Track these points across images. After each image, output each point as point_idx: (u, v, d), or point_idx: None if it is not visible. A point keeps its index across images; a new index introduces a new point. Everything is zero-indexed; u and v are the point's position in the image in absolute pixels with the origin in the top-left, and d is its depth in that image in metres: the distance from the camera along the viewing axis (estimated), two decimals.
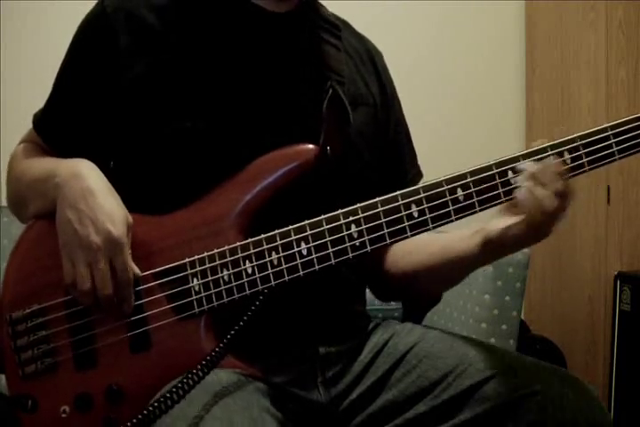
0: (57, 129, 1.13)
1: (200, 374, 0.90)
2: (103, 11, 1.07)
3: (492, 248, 1.03)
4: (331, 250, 0.98)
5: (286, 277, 0.98)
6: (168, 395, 0.86)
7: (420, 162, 1.29)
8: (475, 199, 0.98)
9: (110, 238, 0.97)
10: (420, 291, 1.22)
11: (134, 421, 0.85)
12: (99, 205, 0.98)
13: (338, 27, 1.18)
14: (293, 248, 0.98)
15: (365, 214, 0.98)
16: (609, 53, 2.38)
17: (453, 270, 1.12)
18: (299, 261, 0.98)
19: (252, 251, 0.99)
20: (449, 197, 0.98)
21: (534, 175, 0.96)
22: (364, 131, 1.15)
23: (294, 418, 1.00)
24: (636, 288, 2.20)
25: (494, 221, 1.01)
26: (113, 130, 1.08)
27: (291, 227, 0.99)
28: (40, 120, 1.15)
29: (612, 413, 2.23)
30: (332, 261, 0.98)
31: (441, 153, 2.73)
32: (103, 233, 0.97)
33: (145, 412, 0.85)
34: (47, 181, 1.04)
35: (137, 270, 1.00)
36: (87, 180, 1.01)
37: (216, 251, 0.99)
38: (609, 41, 2.38)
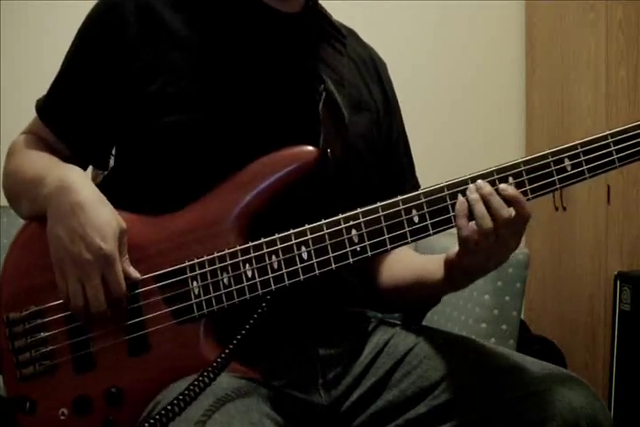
0: (60, 115, 1.12)
1: (207, 380, 0.89)
2: None
3: (457, 273, 1.03)
4: (331, 255, 0.98)
5: (286, 282, 0.98)
6: (176, 401, 0.86)
7: (420, 162, 1.29)
8: None
9: (101, 254, 0.96)
10: (407, 305, 1.21)
11: None
12: (89, 220, 0.98)
13: (342, 33, 1.19)
14: (294, 252, 0.98)
15: (366, 219, 0.98)
16: (609, 53, 2.38)
17: (425, 291, 1.12)
18: (299, 265, 0.98)
19: (252, 254, 0.98)
20: (450, 203, 0.98)
21: (482, 198, 0.95)
22: (366, 135, 1.15)
23: (294, 422, 1.00)
24: (636, 288, 2.20)
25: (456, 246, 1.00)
26: (116, 119, 1.08)
27: (291, 231, 0.99)
28: (43, 105, 1.14)
29: (612, 413, 2.23)
30: (333, 265, 0.98)
31: (441, 153, 2.73)
32: (93, 249, 0.96)
33: (151, 421, 0.85)
34: (37, 188, 1.04)
35: (136, 274, 1.00)
36: (75, 193, 1.00)
37: (216, 254, 0.99)
38: (609, 41, 2.38)
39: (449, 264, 1.02)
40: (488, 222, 0.95)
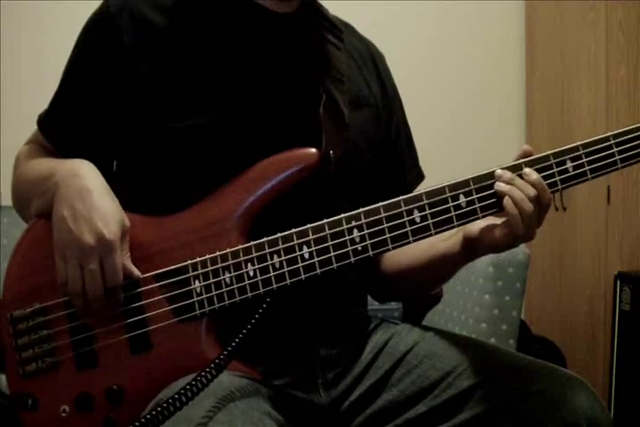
0: (61, 129, 1.13)
1: (208, 377, 0.89)
2: (107, 10, 1.08)
3: (471, 247, 1.04)
4: (332, 254, 0.98)
5: (288, 281, 0.98)
6: (174, 398, 0.86)
7: (421, 162, 1.29)
8: (477, 205, 0.99)
9: (102, 239, 0.97)
10: (412, 290, 1.23)
11: (137, 424, 0.85)
12: (94, 206, 0.98)
13: (339, 28, 1.19)
14: (295, 252, 0.98)
15: (368, 220, 0.98)
16: (609, 53, 2.38)
17: (439, 269, 1.13)
18: (300, 264, 0.98)
19: (254, 254, 0.99)
20: (451, 204, 0.98)
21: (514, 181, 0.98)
22: (366, 131, 1.15)
23: (295, 421, 1.00)
24: (636, 288, 2.20)
25: (477, 221, 1.02)
26: (117, 129, 1.09)
27: (293, 230, 0.99)
28: (45, 121, 1.15)
29: (612, 413, 2.23)
30: (334, 265, 0.98)
31: (441, 153, 2.73)
32: (96, 233, 0.97)
33: (149, 416, 0.85)
34: (47, 180, 1.04)
35: (136, 272, 1.00)
36: (85, 179, 1.01)
37: (218, 253, 0.99)
38: (609, 41, 2.38)
39: (468, 241, 1.04)
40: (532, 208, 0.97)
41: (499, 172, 0.99)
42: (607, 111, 2.39)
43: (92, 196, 0.99)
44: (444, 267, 1.13)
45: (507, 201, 0.97)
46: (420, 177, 1.26)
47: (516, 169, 0.99)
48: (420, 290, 1.23)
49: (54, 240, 1.00)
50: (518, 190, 0.97)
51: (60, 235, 1.00)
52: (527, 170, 0.98)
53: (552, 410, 0.96)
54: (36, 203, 1.08)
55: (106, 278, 0.97)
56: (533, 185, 0.97)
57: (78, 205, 0.99)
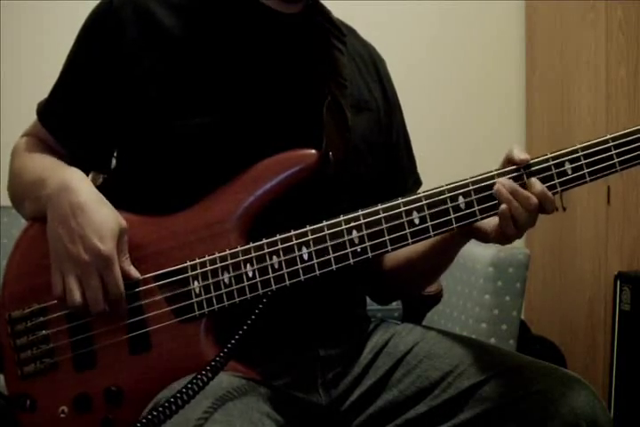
0: (61, 119, 1.12)
1: (205, 379, 0.89)
2: (110, 3, 1.07)
3: (467, 231, 1.05)
4: (332, 255, 0.98)
5: (287, 282, 0.98)
6: (172, 400, 0.86)
7: (420, 162, 1.29)
8: (476, 208, 0.99)
9: (99, 255, 0.96)
10: (412, 284, 1.23)
11: (138, 425, 0.85)
12: (88, 221, 0.98)
13: (343, 32, 1.19)
14: (294, 253, 0.98)
15: (367, 220, 0.98)
16: (609, 53, 2.38)
17: (437, 257, 1.14)
18: (299, 265, 0.98)
19: (253, 254, 0.99)
20: (450, 205, 0.98)
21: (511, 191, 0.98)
22: (368, 135, 1.15)
23: (295, 421, 1.00)
24: (636, 288, 2.19)
25: None
26: (118, 124, 1.08)
27: (292, 232, 0.99)
28: (44, 109, 1.14)
29: (612, 413, 2.23)
30: (333, 266, 0.98)
31: (441, 153, 2.73)
32: (92, 250, 0.96)
33: (149, 416, 0.85)
34: (39, 189, 1.04)
35: (136, 273, 1.00)
36: (76, 193, 1.00)
37: (217, 254, 0.99)
38: (609, 41, 2.37)
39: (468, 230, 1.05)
40: (523, 215, 0.98)
41: (501, 180, 0.99)
42: (607, 111, 2.39)
43: (84, 211, 0.99)
44: (442, 254, 1.14)
45: (502, 212, 0.97)
46: (417, 183, 1.26)
47: (514, 171, 0.99)
48: (420, 282, 1.23)
49: (50, 256, 1.00)
50: (518, 204, 0.97)
51: (56, 253, 1.00)
52: (532, 179, 0.98)
53: (552, 410, 0.96)
54: (30, 207, 1.08)
55: (107, 291, 0.97)
56: (537, 196, 0.97)
57: (71, 223, 0.98)
